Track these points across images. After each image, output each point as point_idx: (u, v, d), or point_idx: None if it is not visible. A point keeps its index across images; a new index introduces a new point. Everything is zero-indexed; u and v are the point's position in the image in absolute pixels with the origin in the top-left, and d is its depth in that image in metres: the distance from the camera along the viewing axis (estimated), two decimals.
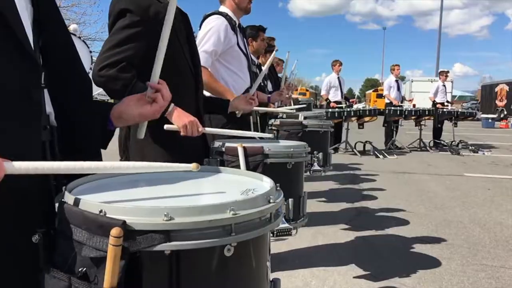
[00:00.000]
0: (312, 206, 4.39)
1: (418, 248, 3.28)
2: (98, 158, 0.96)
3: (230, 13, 2.47)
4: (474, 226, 3.88)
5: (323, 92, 9.19)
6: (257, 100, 2.31)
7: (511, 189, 5.53)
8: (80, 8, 18.80)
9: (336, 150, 8.68)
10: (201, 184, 0.97)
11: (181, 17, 1.73)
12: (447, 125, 9.93)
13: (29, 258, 0.73)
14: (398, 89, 9.50)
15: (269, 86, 4.64)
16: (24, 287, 0.77)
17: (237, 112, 2.21)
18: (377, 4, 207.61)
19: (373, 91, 37.40)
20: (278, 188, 0.84)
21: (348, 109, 8.48)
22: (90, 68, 4.66)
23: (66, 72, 0.88)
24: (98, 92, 6.26)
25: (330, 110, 8.24)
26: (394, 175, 6.41)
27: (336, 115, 8.14)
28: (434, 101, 9.98)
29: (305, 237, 3.39)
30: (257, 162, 1.64)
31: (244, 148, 1.63)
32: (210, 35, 2.33)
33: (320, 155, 3.02)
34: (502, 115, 22.66)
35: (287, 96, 3.55)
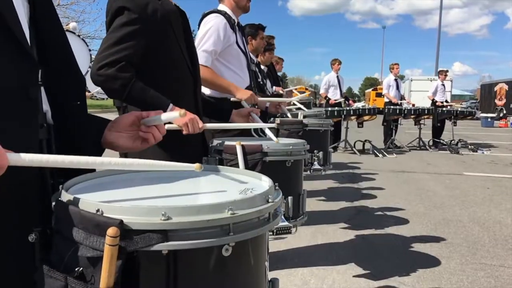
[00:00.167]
0: (312, 205, 4.39)
1: (417, 247, 3.28)
2: (99, 154, 0.95)
3: (229, 12, 2.46)
4: (473, 225, 3.89)
5: (322, 91, 9.19)
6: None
7: (510, 188, 5.53)
8: (79, 6, 18.78)
9: (335, 149, 8.69)
10: (199, 183, 0.96)
11: (180, 16, 1.73)
12: (446, 124, 9.93)
13: (25, 257, 0.73)
14: (397, 88, 9.49)
15: (268, 85, 4.63)
16: (22, 287, 0.76)
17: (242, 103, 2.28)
18: (377, 3, 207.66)
19: (373, 90, 37.44)
20: (276, 187, 0.84)
21: (348, 108, 8.48)
22: (89, 67, 4.64)
23: (62, 70, 0.88)
24: (96, 90, 6.26)
25: (329, 109, 8.24)
26: (394, 174, 6.41)
27: (336, 113, 8.14)
28: (434, 100, 9.98)
29: (304, 236, 3.39)
30: (256, 160, 1.64)
31: (243, 147, 1.62)
32: (209, 35, 2.32)
33: (320, 154, 3.02)
34: (501, 114, 22.68)
35: (284, 106, 3.52)
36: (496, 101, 25.16)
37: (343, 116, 8.28)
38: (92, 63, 1.58)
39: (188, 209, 0.65)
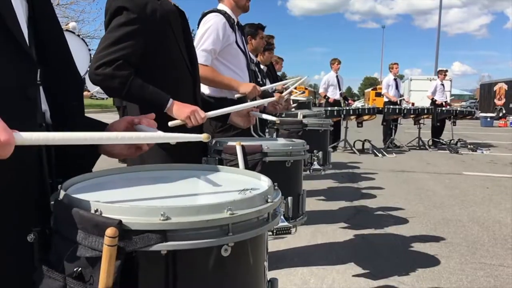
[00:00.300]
0: (311, 204, 4.39)
1: (417, 246, 3.28)
2: (95, 158, 0.95)
3: (228, 11, 2.45)
4: (472, 224, 3.89)
5: (321, 90, 9.19)
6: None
7: (510, 188, 5.54)
8: (78, 6, 18.73)
9: (334, 148, 8.69)
10: (198, 183, 0.96)
11: (179, 16, 1.72)
12: (446, 123, 9.94)
13: (24, 257, 0.73)
14: (397, 87, 9.49)
15: (268, 84, 4.62)
16: (20, 287, 0.76)
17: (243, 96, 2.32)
18: (376, 3, 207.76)
19: (372, 89, 37.44)
20: (276, 187, 0.83)
21: (347, 108, 8.48)
22: (89, 67, 4.63)
23: (60, 70, 0.88)
24: (96, 90, 6.25)
25: (329, 108, 8.24)
26: (393, 174, 6.41)
27: (335, 113, 8.14)
28: (433, 99, 9.98)
29: (304, 236, 3.39)
30: (256, 161, 1.63)
31: (243, 147, 1.62)
32: (209, 34, 2.32)
33: (320, 154, 3.02)
34: (500, 114, 22.69)
35: (282, 105, 3.52)
36: (495, 100, 25.17)
37: (342, 116, 8.28)
38: (90, 63, 1.57)
39: (187, 209, 0.64)
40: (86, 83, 5.41)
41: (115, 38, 1.50)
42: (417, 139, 9.72)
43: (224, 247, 0.66)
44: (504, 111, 23.12)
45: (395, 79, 9.50)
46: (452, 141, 9.66)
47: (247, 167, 1.57)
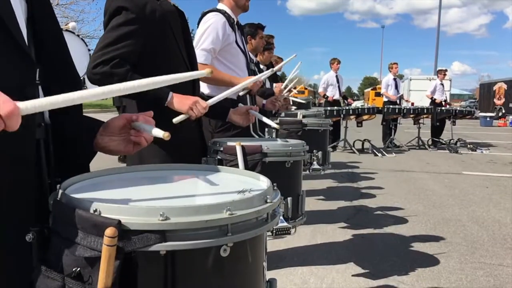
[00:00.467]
0: (311, 204, 4.39)
1: (417, 246, 3.28)
2: (91, 155, 0.95)
3: (228, 11, 2.46)
4: (472, 224, 3.89)
5: (320, 90, 9.20)
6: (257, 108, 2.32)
7: (509, 187, 5.54)
8: (78, 6, 18.74)
9: (334, 148, 8.69)
10: (198, 183, 0.96)
11: (178, 16, 1.72)
12: (445, 123, 9.95)
13: (23, 257, 0.72)
14: (396, 87, 9.50)
15: (267, 85, 4.62)
16: (19, 286, 0.76)
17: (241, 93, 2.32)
18: (376, 3, 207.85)
19: (372, 89, 37.47)
20: (275, 187, 0.83)
21: (347, 107, 8.49)
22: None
23: (59, 69, 0.88)
24: None
25: (328, 108, 8.24)
26: (393, 174, 6.42)
27: (335, 113, 8.14)
28: (433, 98, 9.98)
29: (303, 235, 3.39)
30: (256, 161, 1.63)
31: (243, 147, 1.62)
32: (208, 33, 2.32)
33: (320, 153, 3.02)
34: (500, 114, 22.70)
35: (281, 103, 3.52)
36: (495, 100, 25.17)
37: (342, 116, 8.29)
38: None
39: (186, 209, 0.64)
40: (85, 83, 5.41)
41: (113, 38, 1.50)
42: (417, 138, 9.72)
43: (223, 247, 0.66)
44: (503, 111, 23.12)
45: (394, 79, 9.50)
46: (452, 140, 9.66)
47: (247, 167, 1.57)
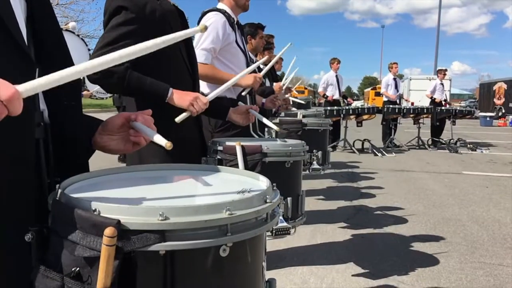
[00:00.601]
0: (311, 204, 4.39)
1: (416, 246, 3.28)
2: (89, 154, 0.95)
3: (228, 10, 2.46)
4: (472, 224, 3.89)
5: (320, 89, 9.20)
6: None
7: (509, 187, 5.54)
8: (78, 5, 18.76)
9: (334, 148, 8.69)
10: (197, 183, 0.95)
11: (178, 16, 1.72)
12: (445, 123, 9.94)
13: (21, 256, 0.72)
14: (396, 87, 9.50)
15: (267, 84, 4.62)
16: (18, 286, 0.76)
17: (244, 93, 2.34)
18: (376, 2, 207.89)
19: (372, 89, 37.48)
20: (274, 187, 0.83)
21: (347, 107, 8.49)
22: None
23: (59, 69, 0.87)
24: (96, 90, 6.25)
25: (328, 108, 8.24)
26: (393, 173, 6.41)
27: (335, 113, 8.15)
28: (433, 98, 9.97)
29: (303, 235, 3.39)
30: (256, 161, 1.63)
31: (243, 147, 1.62)
32: (208, 32, 2.32)
33: (319, 153, 3.02)
34: (500, 113, 22.70)
35: (281, 101, 3.52)
36: (495, 100, 25.16)
37: (342, 115, 8.29)
38: None
39: (185, 209, 0.64)
40: (86, 83, 5.41)
41: (113, 37, 1.50)
42: (417, 138, 9.72)
43: (222, 247, 0.66)
44: (503, 111, 23.12)
45: (394, 79, 9.50)
46: (452, 140, 9.66)
47: (246, 167, 1.57)
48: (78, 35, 6.50)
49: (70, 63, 0.91)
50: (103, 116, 1.03)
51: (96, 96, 7.19)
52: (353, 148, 8.60)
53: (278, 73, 6.55)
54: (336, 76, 8.82)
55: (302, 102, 6.94)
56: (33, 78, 0.80)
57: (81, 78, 0.97)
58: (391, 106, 9.12)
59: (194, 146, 1.77)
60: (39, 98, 0.83)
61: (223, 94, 2.38)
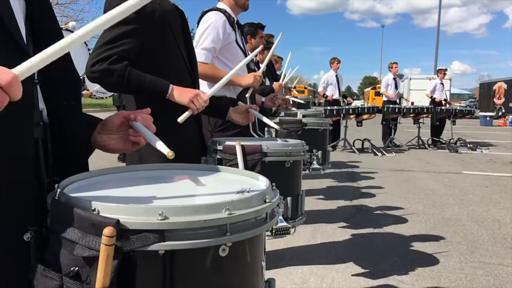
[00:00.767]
0: (311, 203, 4.39)
1: (416, 245, 3.28)
2: (89, 153, 0.94)
3: (228, 10, 2.45)
4: (472, 223, 3.89)
5: (320, 89, 9.19)
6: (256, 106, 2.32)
7: (509, 187, 5.54)
8: (77, 5, 18.81)
9: (334, 147, 8.69)
10: (197, 183, 0.95)
11: (178, 16, 1.72)
12: (445, 123, 9.94)
13: (20, 256, 0.72)
14: (396, 86, 9.50)
15: (267, 84, 4.62)
16: (17, 286, 0.76)
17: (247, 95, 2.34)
18: (376, 2, 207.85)
19: (372, 88, 37.48)
20: (274, 187, 0.83)
21: (347, 107, 8.49)
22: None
23: (58, 69, 0.87)
24: (95, 89, 6.24)
25: (328, 107, 8.24)
26: (393, 173, 6.41)
27: (335, 112, 8.15)
28: (433, 98, 9.97)
29: (303, 235, 3.39)
30: (255, 161, 1.63)
31: (242, 147, 1.62)
32: (209, 32, 2.32)
33: (319, 153, 3.02)
34: (500, 113, 22.71)
35: (281, 101, 3.51)
36: (495, 100, 25.18)
37: (342, 115, 8.28)
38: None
39: (185, 209, 0.64)
40: (85, 82, 5.40)
41: (112, 36, 1.49)
42: (417, 138, 9.72)
43: (222, 247, 0.65)
44: (503, 110, 23.13)
45: (394, 78, 9.50)
46: (452, 140, 9.66)
47: (246, 167, 1.56)
48: None
49: (70, 63, 0.91)
50: (103, 115, 1.03)
51: (95, 96, 7.19)
52: (353, 147, 8.60)
53: (278, 72, 6.55)
54: (336, 75, 8.82)
55: (302, 101, 6.95)
56: (33, 77, 0.80)
57: (81, 78, 0.96)
58: (391, 105, 9.12)
59: (194, 146, 1.77)
60: (38, 97, 0.83)
61: (223, 94, 2.38)
